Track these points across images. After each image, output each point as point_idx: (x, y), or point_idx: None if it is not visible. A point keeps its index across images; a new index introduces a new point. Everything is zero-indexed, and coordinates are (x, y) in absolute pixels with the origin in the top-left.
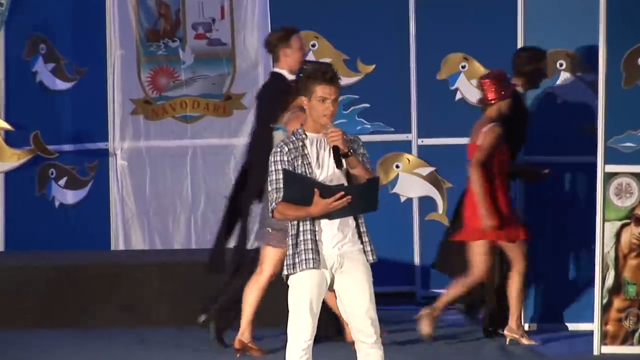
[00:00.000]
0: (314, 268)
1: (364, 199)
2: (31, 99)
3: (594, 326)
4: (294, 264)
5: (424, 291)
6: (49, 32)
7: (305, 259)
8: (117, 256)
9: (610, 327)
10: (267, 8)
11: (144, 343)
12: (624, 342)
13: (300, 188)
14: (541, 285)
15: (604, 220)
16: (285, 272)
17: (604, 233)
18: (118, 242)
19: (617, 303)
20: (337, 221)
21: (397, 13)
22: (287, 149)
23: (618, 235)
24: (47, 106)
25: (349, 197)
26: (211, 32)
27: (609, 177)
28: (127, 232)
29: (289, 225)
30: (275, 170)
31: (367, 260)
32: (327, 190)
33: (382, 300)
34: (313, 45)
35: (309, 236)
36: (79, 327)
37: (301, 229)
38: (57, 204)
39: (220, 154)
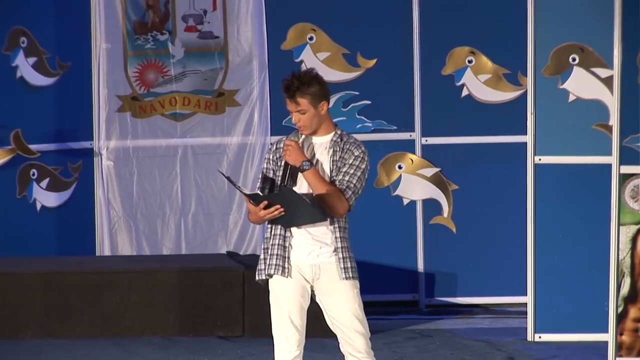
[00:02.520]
0: (281, 275)
1: (297, 208)
2: (11, 95)
3: (609, 337)
4: (259, 269)
5: (429, 300)
6: (30, 24)
7: (271, 265)
8: (103, 262)
9: (625, 338)
10: None
11: (130, 354)
12: None
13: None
14: (552, 294)
15: (619, 225)
16: (256, 277)
17: (619, 238)
18: (103, 248)
19: (633, 312)
20: (310, 230)
21: (399, 4)
22: (274, 148)
23: (634, 240)
24: (28, 103)
25: (278, 206)
26: (202, 24)
27: (625, 178)
28: (113, 237)
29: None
30: (263, 168)
31: (345, 277)
32: (258, 199)
33: (384, 309)
34: (310, 39)
35: (277, 241)
36: (61, 336)
37: (273, 233)
38: (38, 206)
39: (212, 154)
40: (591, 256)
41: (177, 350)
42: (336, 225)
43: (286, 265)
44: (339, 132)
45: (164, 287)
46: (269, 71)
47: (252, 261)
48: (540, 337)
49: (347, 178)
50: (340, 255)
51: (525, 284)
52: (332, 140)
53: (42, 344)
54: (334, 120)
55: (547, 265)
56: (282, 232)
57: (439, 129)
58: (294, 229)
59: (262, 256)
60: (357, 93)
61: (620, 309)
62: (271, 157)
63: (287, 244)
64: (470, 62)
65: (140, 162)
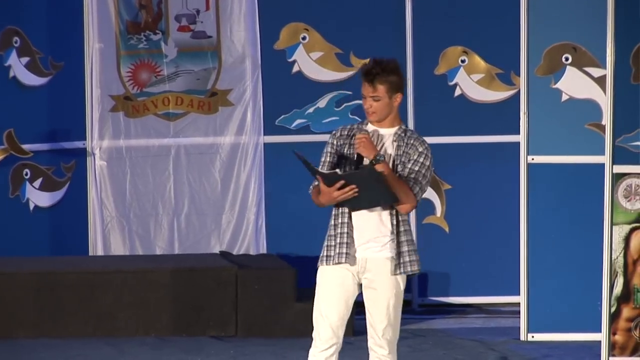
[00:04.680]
0: (338, 263)
1: (372, 190)
2: (4, 94)
3: (602, 336)
4: (321, 257)
5: (422, 299)
6: (23, 24)
7: (331, 255)
8: (96, 262)
9: (618, 337)
10: None
11: (123, 353)
12: (633, 353)
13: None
14: (545, 293)
15: (612, 224)
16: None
17: (612, 237)
18: (96, 248)
19: (626, 312)
20: (370, 221)
21: (392, 4)
22: (339, 134)
23: (627, 239)
24: (21, 103)
25: (353, 186)
26: (195, 24)
27: (618, 178)
28: (106, 237)
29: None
30: (325, 153)
31: (396, 273)
32: (331, 179)
33: None
34: (303, 38)
35: (339, 230)
36: (55, 336)
37: (339, 221)
38: (31, 206)
39: (205, 154)
40: (584, 256)
41: (170, 350)
42: (396, 220)
43: (347, 256)
44: (403, 126)
45: (157, 287)
46: (261, 71)
47: (245, 261)
48: (533, 337)
49: (413, 175)
50: (405, 249)
51: (519, 283)
52: (396, 133)
53: (35, 343)
54: (328, 120)
55: (540, 265)
56: (348, 221)
57: (432, 129)
58: (355, 219)
59: (325, 243)
60: (350, 93)
61: (613, 309)
62: (335, 143)
63: (349, 233)
64: (463, 61)
65: (133, 161)
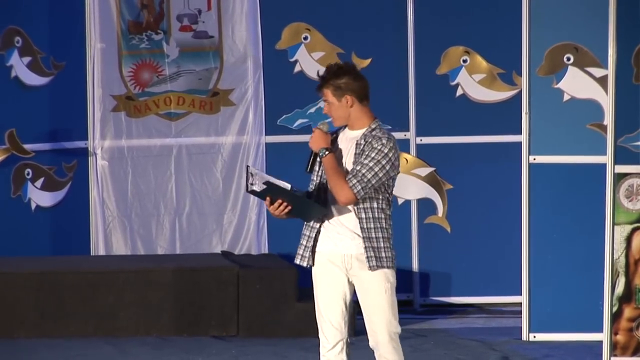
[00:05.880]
0: (302, 264)
1: (296, 201)
2: (6, 94)
3: (603, 336)
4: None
5: (423, 299)
6: (25, 24)
7: (299, 254)
8: (97, 262)
9: (620, 338)
10: None
11: (124, 353)
12: (634, 353)
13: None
14: (547, 293)
15: (613, 224)
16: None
17: (614, 237)
18: (98, 247)
19: (628, 312)
20: (335, 220)
21: (394, 3)
22: (332, 138)
23: (629, 239)
24: (23, 102)
25: (280, 201)
26: (197, 24)
27: (619, 178)
28: (108, 237)
29: None
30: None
31: (374, 269)
32: (259, 196)
33: None
34: (305, 38)
35: (306, 232)
36: (56, 336)
37: (305, 222)
38: (33, 206)
39: (206, 154)
40: (586, 256)
41: (172, 350)
42: (364, 216)
43: (307, 256)
44: (373, 125)
45: (159, 287)
46: (263, 71)
47: (246, 261)
48: (534, 337)
49: (358, 167)
50: (369, 245)
51: (520, 283)
52: (363, 134)
53: (36, 343)
54: (329, 120)
55: (542, 265)
56: (312, 223)
57: (433, 129)
58: (329, 220)
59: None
60: None
61: (615, 309)
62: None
63: (312, 235)
64: (464, 61)
65: (135, 161)
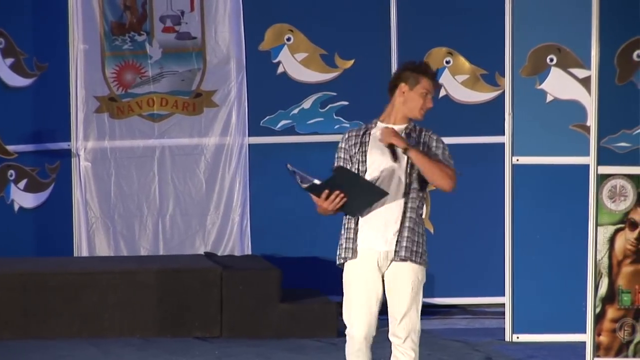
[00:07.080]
0: (346, 260)
1: (357, 191)
2: None
3: (587, 337)
4: (337, 255)
5: None
6: (7, 25)
7: (341, 253)
8: (81, 263)
9: (603, 338)
10: None
11: (108, 354)
12: (618, 354)
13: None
14: (530, 294)
15: (596, 225)
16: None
17: (597, 238)
18: (81, 248)
19: (611, 313)
20: (379, 218)
21: (377, 5)
22: (347, 136)
23: (612, 240)
24: (5, 104)
25: (337, 192)
26: (180, 25)
27: (602, 179)
28: (91, 238)
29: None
30: (337, 158)
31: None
32: (315, 190)
33: None
34: (288, 39)
35: (348, 229)
36: (40, 337)
37: (345, 220)
38: (16, 207)
39: (189, 155)
40: (569, 257)
41: (155, 351)
42: (409, 205)
43: (352, 253)
44: (413, 122)
45: (142, 288)
46: (246, 72)
47: (229, 262)
48: (518, 338)
49: (440, 157)
50: (405, 235)
51: (503, 284)
52: (407, 127)
53: (20, 344)
54: (313, 121)
55: (525, 266)
56: (354, 220)
57: None
58: (362, 218)
59: (339, 242)
60: (334, 94)
61: (598, 310)
62: (344, 146)
63: (355, 233)
64: (447, 62)
65: (118, 162)
